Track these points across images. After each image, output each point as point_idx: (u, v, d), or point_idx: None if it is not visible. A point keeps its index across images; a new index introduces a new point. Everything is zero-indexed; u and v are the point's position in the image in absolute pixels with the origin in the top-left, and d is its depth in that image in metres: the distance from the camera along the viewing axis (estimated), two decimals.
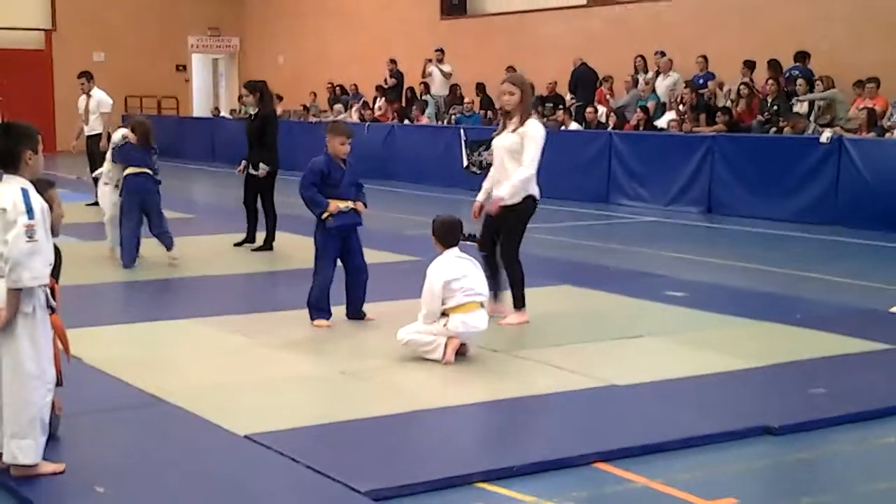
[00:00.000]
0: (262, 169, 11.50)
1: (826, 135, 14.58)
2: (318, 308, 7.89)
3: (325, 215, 7.79)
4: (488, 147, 18.78)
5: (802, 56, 16.84)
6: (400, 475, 4.80)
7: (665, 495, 4.76)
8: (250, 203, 11.84)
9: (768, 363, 6.87)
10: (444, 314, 6.86)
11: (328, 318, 7.88)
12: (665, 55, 19.01)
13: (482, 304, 6.96)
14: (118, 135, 10.92)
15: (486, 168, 18.79)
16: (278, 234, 11.94)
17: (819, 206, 14.47)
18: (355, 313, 8.04)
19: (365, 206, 8.01)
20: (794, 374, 6.69)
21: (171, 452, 5.15)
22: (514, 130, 7.81)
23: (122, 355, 6.94)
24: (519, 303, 7.98)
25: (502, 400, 6.07)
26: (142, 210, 10.26)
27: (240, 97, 14.81)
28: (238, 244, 11.79)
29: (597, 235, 13.48)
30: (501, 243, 7.99)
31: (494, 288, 7.98)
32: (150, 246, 10.54)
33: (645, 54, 19.43)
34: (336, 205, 7.81)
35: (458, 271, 6.92)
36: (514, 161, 7.81)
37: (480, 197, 8.10)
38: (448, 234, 7.11)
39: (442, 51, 23.24)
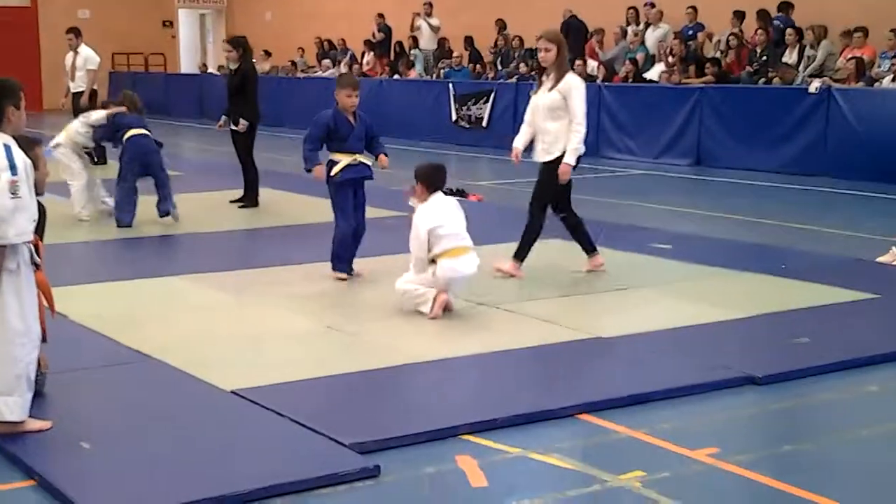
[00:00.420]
0: (242, 124, 11.48)
1: (815, 85, 14.55)
2: (339, 258, 7.94)
3: (313, 173, 7.78)
4: (477, 101, 18.91)
5: (786, 6, 16.76)
6: (385, 428, 4.82)
7: (648, 445, 4.79)
8: (244, 159, 11.82)
9: (753, 314, 6.90)
10: (432, 261, 6.86)
11: (346, 272, 7.92)
12: (654, 6, 18.90)
13: (470, 248, 6.94)
14: (99, 114, 10.70)
15: (475, 122, 18.90)
16: (265, 190, 11.93)
17: (808, 157, 14.48)
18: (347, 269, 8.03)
19: (386, 156, 8.06)
20: (778, 324, 6.72)
21: (156, 408, 5.17)
22: (552, 88, 7.78)
23: (108, 312, 6.95)
24: (522, 254, 8.02)
25: (488, 353, 6.09)
26: (144, 170, 10.27)
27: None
28: (236, 201, 11.79)
29: (586, 189, 13.40)
30: (533, 193, 8.04)
31: (587, 245, 8.12)
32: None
33: (636, 6, 19.31)
34: (320, 171, 7.81)
35: (444, 216, 6.91)
36: (555, 119, 7.77)
37: (517, 143, 8.10)
38: (434, 178, 7.09)
39: (430, 4, 23.07)
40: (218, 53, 30.95)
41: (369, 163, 8.01)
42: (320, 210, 11.32)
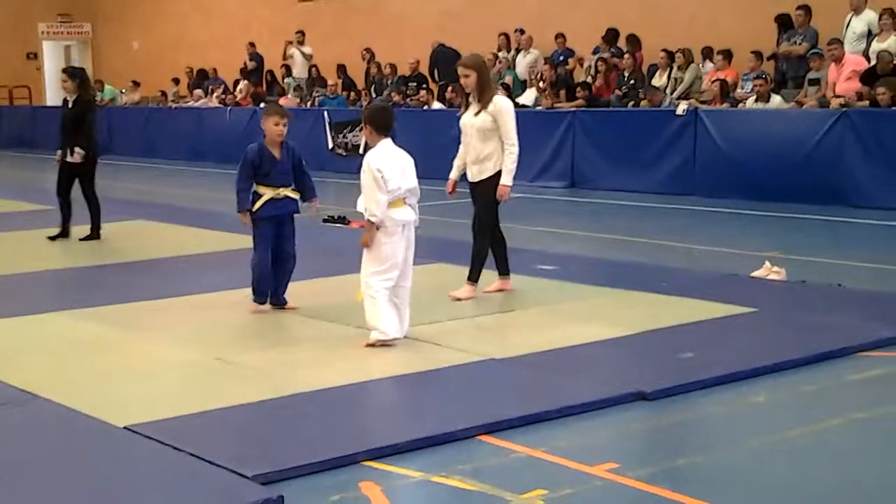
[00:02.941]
0: (78, 153, 11.15)
1: (682, 107, 14.98)
2: (256, 291, 7.79)
3: (242, 218, 7.62)
4: (353, 128, 18.92)
5: (634, 38, 17.24)
6: (286, 458, 4.78)
7: (548, 463, 4.86)
8: (65, 193, 11.41)
9: (638, 331, 7.05)
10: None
11: (263, 303, 7.79)
12: (524, 32, 19.23)
13: (405, 202, 6.87)
14: None
15: (351, 149, 18.90)
16: (138, 222, 11.77)
17: (678, 177, 14.89)
18: (277, 301, 7.84)
19: (316, 198, 7.83)
20: (663, 340, 6.88)
21: (47, 449, 5.02)
22: (481, 110, 7.93)
23: None
24: (474, 276, 8.13)
25: (382, 379, 6.10)
26: None
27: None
28: (53, 238, 11.35)
29: (466, 213, 13.55)
30: (478, 216, 8.15)
31: (503, 266, 8.29)
32: (2, 240, 10.24)
33: (507, 31, 19.61)
34: (246, 220, 7.64)
35: (394, 163, 6.78)
36: (487, 139, 7.93)
37: (453, 175, 8.25)
38: (383, 120, 6.94)
39: (302, 33, 23.07)
40: None
41: (295, 196, 7.78)
42: (197, 240, 11.24)
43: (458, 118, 8.29)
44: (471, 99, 8.10)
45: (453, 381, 6.11)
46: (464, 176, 8.29)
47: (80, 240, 11.31)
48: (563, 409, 5.51)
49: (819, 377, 6.14)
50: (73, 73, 11.50)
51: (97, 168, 11.59)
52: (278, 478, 4.60)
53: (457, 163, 8.30)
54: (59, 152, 11.36)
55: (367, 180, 6.73)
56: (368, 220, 6.72)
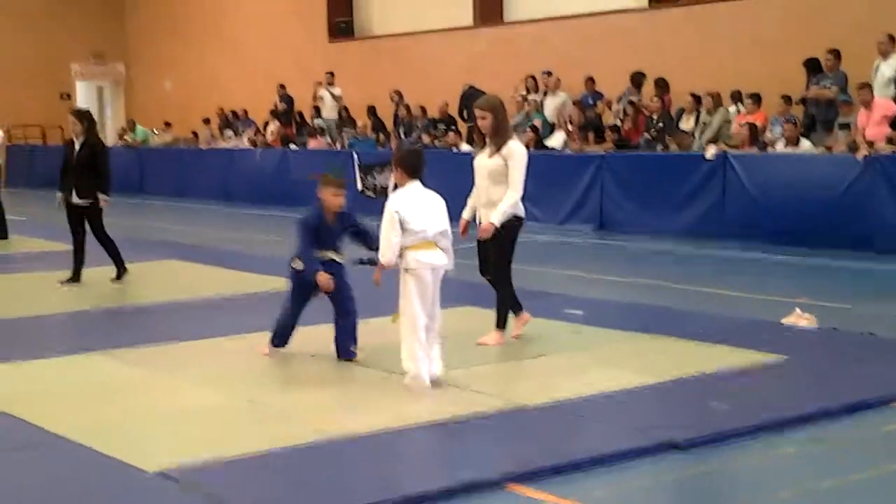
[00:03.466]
0: (103, 199, 11.11)
1: (711, 151, 14.98)
2: (276, 336, 7.77)
3: (321, 279, 7.45)
4: (382, 170, 19.01)
5: (662, 82, 17.27)
6: None
7: None
8: (78, 234, 11.28)
9: (669, 378, 7.03)
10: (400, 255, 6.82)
11: (277, 348, 7.76)
12: (552, 75, 19.32)
13: (436, 245, 6.90)
14: None
15: (380, 191, 18.96)
16: (173, 262, 11.85)
17: (707, 221, 14.85)
18: (347, 356, 7.65)
19: (375, 263, 7.29)
20: (693, 387, 6.85)
21: (78, 494, 5.05)
22: (495, 153, 7.94)
23: (18, 393, 6.78)
24: (501, 323, 8.14)
25: (414, 426, 6.08)
26: None
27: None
28: (64, 282, 11.18)
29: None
30: (491, 264, 8.15)
31: (515, 305, 8.27)
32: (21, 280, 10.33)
33: (533, 74, 19.71)
34: (326, 280, 7.45)
35: (413, 209, 6.80)
36: (498, 183, 7.93)
37: (466, 214, 8.24)
38: (414, 163, 6.98)
39: (332, 74, 23.25)
40: (116, 125, 30.74)
41: (341, 259, 7.72)
42: (228, 281, 11.29)
43: (473, 159, 8.30)
44: (487, 141, 8.12)
45: (483, 428, 6.09)
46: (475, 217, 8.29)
47: (112, 280, 11.35)
48: (595, 458, 5.48)
49: (851, 428, 6.10)
50: (81, 115, 11.39)
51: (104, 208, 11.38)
52: None
53: (470, 203, 8.27)
54: (60, 194, 11.23)
55: (384, 222, 6.80)
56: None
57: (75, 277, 11.25)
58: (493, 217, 7.91)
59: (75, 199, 11.14)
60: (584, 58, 19.42)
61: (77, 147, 11.21)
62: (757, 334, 8.33)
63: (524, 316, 8.35)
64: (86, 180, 11.09)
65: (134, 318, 9.72)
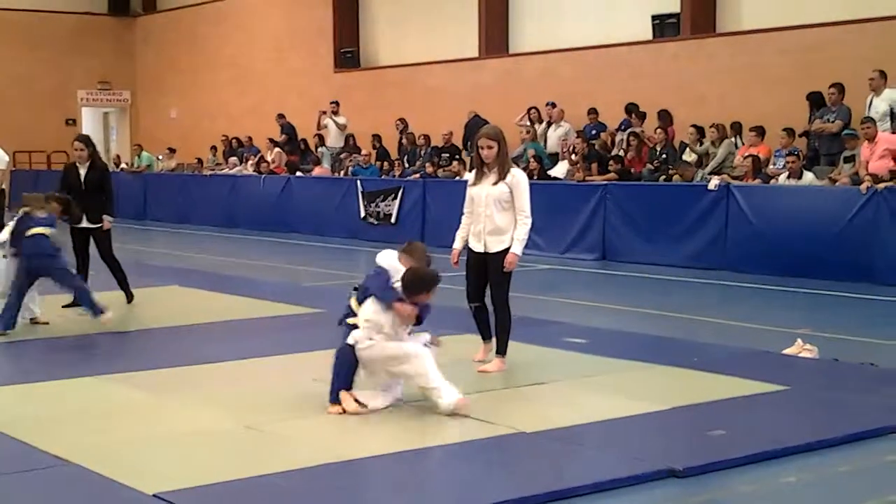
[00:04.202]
0: (108, 221, 11.29)
1: (714, 182, 15.01)
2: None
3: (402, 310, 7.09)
4: (385, 198, 19.08)
5: (665, 113, 17.35)
6: None
7: None
8: (81, 256, 11.40)
9: (669, 406, 7.02)
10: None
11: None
12: (556, 106, 19.39)
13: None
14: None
15: (384, 219, 19.03)
16: (174, 288, 11.85)
17: (709, 252, 14.86)
18: None
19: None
20: (694, 416, 6.84)
21: None
22: (499, 181, 8.04)
23: (21, 416, 6.78)
24: (503, 349, 8.22)
25: (407, 451, 6.08)
26: (37, 272, 9.94)
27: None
28: (67, 306, 10.99)
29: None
30: (493, 290, 8.23)
31: (490, 332, 8.35)
32: (41, 303, 10.35)
33: (536, 105, 19.79)
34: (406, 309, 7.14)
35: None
36: (503, 210, 8.05)
37: (458, 245, 8.34)
38: (418, 287, 7.00)
39: (337, 103, 23.34)
40: (122, 151, 30.86)
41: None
42: (229, 307, 11.30)
43: (467, 187, 8.33)
44: (485, 170, 8.16)
45: (482, 454, 6.09)
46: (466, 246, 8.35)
47: (127, 303, 11.41)
48: (594, 484, 5.47)
49: (852, 457, 6.08)
50: (87, 142, 11.54)
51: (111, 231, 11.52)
52: None
53: (460, 234, 8.35)
54: (68, 217, 11.10)
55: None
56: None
57: (76, 302, 11.26)
58: (514, 248, 8.05)
59: (84, 223, 11.29)
60: (588, 89, 19.50)
61: (84, 171, 11.35)
62: (758, 364, 8.32)
63: (489, 346, 8.41)
64: (95, 203, 11.27)
65: (136, 343, 9.73)
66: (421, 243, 7.77)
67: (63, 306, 11.11)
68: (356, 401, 6.84)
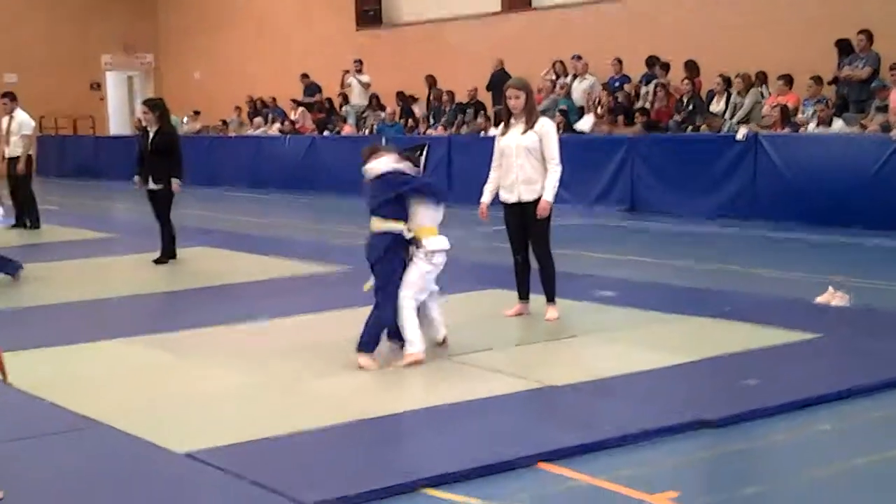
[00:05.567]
0: (176, 184, 11.64)
1: (742, 132, 14.85)
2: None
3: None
4: (410, 154, 18.96)
5: (692, 63, 17.14)
6: (345, 485, 4.77)
7: (608, 492, 4.80)
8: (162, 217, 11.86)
9: (700, 357, 6.97)
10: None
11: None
12: (581, 59, 19.21)
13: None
14: None
15: None
16: (201, 249, 11.91)
17: (738, 202, 14.75)
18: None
19: None
20: (726, 366, 6.80)
21: (111, 475, 5.06)
22: (527, 130, 8.06)
23: (51, 378, 6.80)
24: (552, 297, 8.29)
25: (441, 406, 6.06)
26: None
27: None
28: (158, 261, 11.74)
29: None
30: (534, 244, 8.27)
31: (527, 290, 8.41)
32: (55, 269, 10.40)
33: (561, 58, 19.62)
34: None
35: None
36: (534, 158, 8.07)
37: (486, 199, 8.35)
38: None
39: (360, 62, 23.23)
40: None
41: None
42: (258, 266, 11.32)
43: (496, 140, 8.34)
44: (513, 120, 8.15)
45: (512, 407, 6.07)
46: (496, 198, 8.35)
47: (154, 261, 11.67)
48: (625, 436, 5.45)
49: (886, 404, 6.02)
50: (153, 106, 11.89)
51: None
52: None
53: (488, 188, 8.35)
54: (138, 178, 11.81)
55: None
56: None
57: (168, 256, 11.71)
58: (546, 195, 8.06)
59: (151, 185, 11.65)
60: (611, 41, 19.29)
61: (151, 135, 11.68)
62: (790, 313, 8.25)
63: (527, 307, 8.46)
64: (160, 166, 11.63)
65: (164, 305, 9.77)
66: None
67: (154, 261, 11.38)
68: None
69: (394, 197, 7.03)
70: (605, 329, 7.96)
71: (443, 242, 7.12)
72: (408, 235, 7.04)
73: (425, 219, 7.10)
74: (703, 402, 5.96)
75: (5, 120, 15.42)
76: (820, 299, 8.69)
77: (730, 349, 7.14)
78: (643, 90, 18.09)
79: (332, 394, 6.38)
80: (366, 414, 5.88)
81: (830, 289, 8.78)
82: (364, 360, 6.87)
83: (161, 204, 11.75)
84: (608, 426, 5.58)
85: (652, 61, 17.95)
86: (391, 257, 7.01)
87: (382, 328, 7.04)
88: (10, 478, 4.94)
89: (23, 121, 15.34)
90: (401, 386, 6.52)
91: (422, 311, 7.13)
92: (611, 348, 7.37)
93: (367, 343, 6.94)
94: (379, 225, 7.05)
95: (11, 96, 15.50)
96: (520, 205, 8.17)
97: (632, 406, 5.98)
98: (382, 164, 7.17)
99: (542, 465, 5.11)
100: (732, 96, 16.35)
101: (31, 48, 29.68)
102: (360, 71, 23.19)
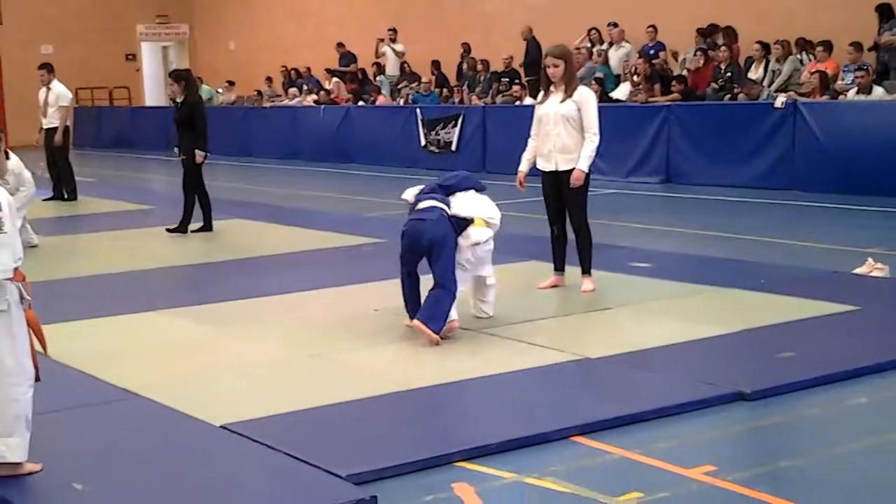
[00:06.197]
0: (199, 155, 11.71)
1: (780, 99, 14.68)
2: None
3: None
4: (445, 125, 18.94)
5: (730, 30, 16.92)
6: (379, 458, 4.79)
7: (643, 465, 4.79)
8: (201, 189, 11.99)
9: (736, 329, 6.92)
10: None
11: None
12: (617, 26, 19.05)
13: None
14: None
15: (444, 146, 18.91)
16: (236, 221, 11.99)
17: (776, 171, 14.59)
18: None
19: None
20: (762, 339, 6.75)
21: (147, 446, 5.10)
22: (566, 98, 8.01)
23: (89, 350, 6.86)
24: (588, 268, 8.28)
25: (475, 378, 6.06)
26: None
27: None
28: (196, 230, 11.88)
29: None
30: (571, 214, 8.26)
31: (563, 262, 8.40)
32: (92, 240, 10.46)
33: (598, 26, 19.46)
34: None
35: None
36: (571, 128, 8.02)
37: (523, 167, 8.32)
38: None
39: (395, 30, 23.15)
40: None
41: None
42: (292, 239, 11.34)
43: (535, 108, 8.30)
44: (552, 88, 8.09)
45: (547, 380, 6.07)
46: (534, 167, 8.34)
47: (167, 230, 11.82)
48: (660, 409, 5.43)
49: None
50: (177, 77, 11.99)
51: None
52: (372, 478, 4.61)
53: (526, 156, 8.31)
54: (177, 149, 12.00)
55: None
56: None
57: (207, 226, 11.93)
58: (580, 164, 8.01)
59: (180, 155, 11.87)
60: (649, 8, 19.10)
61: (178, 106, 11.81)
62: (828, 285, 8.18)
63: (563, 279, 8.44)
64: (185, 137, 11.76)
65: (198, 277, 9.81)
66: None
67: (192, 230, 11.62)
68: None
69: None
70: (641, 301, 7.92)
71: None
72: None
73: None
74: (739, 375, 5.92)
75: (43, 91, 15.50)
76: (858, 271, 8.61)
77: (766, 321, 7.09)
78: (682, 58, 17.86)
79: (367, 366, 6.40)
80: (400, 387, 5.89)
81: (869, 260, 8.69)
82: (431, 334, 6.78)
83: (186, 174, 11.82)
84: (643, 399, 5.56)
85: (711, 29, 17.61)
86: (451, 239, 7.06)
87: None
88: (48, 448, 4.99)
89: (60, 92, 15.41)
90: (435, 359, 6.51)
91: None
92: (646, 320, 7.33)
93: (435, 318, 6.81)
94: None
95: (49, 68, 15.57)
96: (556, 174, 8.12)
97: (667, 379, 5.95)
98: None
99: (577, 438, 5.10)
100: (771, 63, 16.17)
101: (66, 20, 29.81)
102: (394, 40, 23.11)
